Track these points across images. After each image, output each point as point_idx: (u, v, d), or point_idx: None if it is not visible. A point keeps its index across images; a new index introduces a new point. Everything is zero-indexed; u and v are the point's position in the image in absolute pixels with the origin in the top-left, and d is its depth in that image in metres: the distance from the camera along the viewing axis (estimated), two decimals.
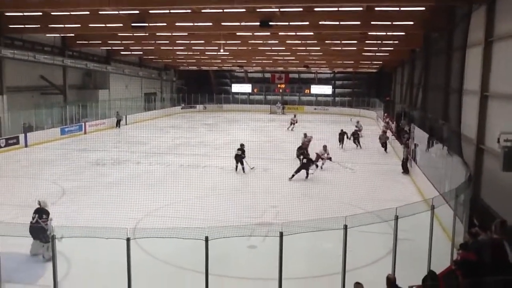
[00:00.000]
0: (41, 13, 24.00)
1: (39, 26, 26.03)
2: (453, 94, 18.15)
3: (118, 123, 37.38)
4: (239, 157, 19.45)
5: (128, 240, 6.62)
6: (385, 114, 37.40)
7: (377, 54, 37.28)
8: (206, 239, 6.65)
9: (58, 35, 32.18)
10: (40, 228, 9.93)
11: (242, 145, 19.68)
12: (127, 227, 6.90)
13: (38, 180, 17.85)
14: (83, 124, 33.24)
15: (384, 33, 26.44)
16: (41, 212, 10.28)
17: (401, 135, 25.76)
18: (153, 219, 12.95)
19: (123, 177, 18.15)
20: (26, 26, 26.52)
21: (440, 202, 8.99)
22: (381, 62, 45.37)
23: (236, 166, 19.53)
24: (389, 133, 27.28)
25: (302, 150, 20.00)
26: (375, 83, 54.21)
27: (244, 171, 19.35)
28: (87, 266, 9.83)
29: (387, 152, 25.19)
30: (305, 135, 23.34)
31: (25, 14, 24.79)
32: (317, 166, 19.49)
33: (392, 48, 32.95)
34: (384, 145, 25.74)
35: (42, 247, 10.13)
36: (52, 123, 31.63)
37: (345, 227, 7.11)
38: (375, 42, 30.09)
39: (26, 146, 26.59)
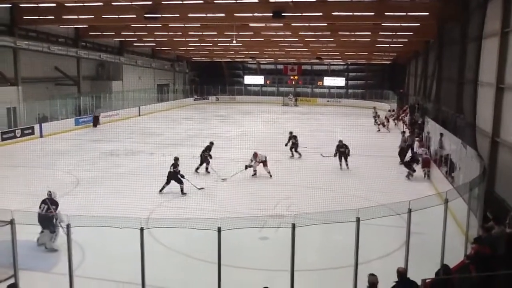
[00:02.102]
0: (55, 4, 24.18)
1: (53, 17, 26.22)
2: (467, 86, 17.92)
3: (95, 121, 32.69)
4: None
5: (141, 229, 6.68)
6: (405, 107, 36.85)
7: (390, 45, 36.90)
8: (219, 230, 6.69)
9: (72, 26, 32.38)
10: (48, 217, 10.06)
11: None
12: (141, 217, 6.96)
13: (53, 170, 18.07)
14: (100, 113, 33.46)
15: (398, 24, 26.11)
16: (50, 203, 10.43)
17: (415, 128, 25.56)
18: (166, 210, 13.06)
19: (137, 168, 18.27)
20: (40, 17, 26.75)
21: (454, 195, 8.91)
22: (394, 54, 44.93)
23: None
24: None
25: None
26: (389, 75, 53.66)
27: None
28: (101, 255, 9.96)
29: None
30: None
31: (39, 5, 25.01)
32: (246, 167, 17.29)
33: (406, 39, 32.59)
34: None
35: (48, 237, 10.30)
36: (66, 113, 31.94)
37: (358, 220, 7.09)
38: (388, 33, 29.78)
39: (41, 136, 26.92)
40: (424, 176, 17.55)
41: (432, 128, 20.97)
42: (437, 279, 6.88)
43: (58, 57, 31.69)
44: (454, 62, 20.99)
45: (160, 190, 14.79)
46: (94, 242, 10.11)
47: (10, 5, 26.05)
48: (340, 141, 19.02)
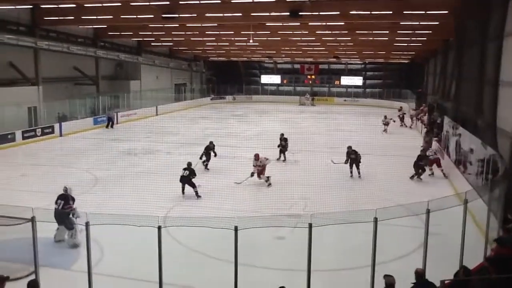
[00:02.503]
0: (74, 5, 24.50)
1: (72, 18, 26.57)
2: (488, 85, 17.62)
3: (109, 123, 32.20)
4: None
5: (159, 228, 6.74)
6: (423, 105, 36.40)
7: (409, 44, 36.51)
8: (236, 229, 6.71)
9: (91, 26, 32.77)
10: (65, 214, 10.21)
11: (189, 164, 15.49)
12: (158, 215, 7.02)
13: (72, 168, 18.35)
14: (115, 114, 33.85)
15: (417, 23, 25.83)
16: (67, 198, 10.57)
17: (433, 128, 25.24)
18: (183, 209, 13.16)
19: (154, 167, 18.42)
20: (60, 18, 27.15)
21: (474, 196, 8.78)
22: (413, 53, 44.43)
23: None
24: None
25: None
26: (407, 74, 53.11)
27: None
28: (119, 253, 10.08)
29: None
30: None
31: (59, 6, 25.37)
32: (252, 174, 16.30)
33: (424, 38, 32.20)
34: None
35: (66, 233, 10.46)
36: (85, 113, 32.37)
37: (375, 220, 7.04)
38: (407, 32, 29.47)
39: (61, 135, 27.34)
40: (430, 175, 17.59)
41: (451, 128, 20.69)
42: (456, 280, 6.79)
43: (77, 57, 32.13)
44: (474, 61, 20.64)
45: (183, 193, 14.71)
46: (113, 240, 10.23)
47: (31, 6, 26.51)
48: (349, 147, 17.65)
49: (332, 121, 36.94)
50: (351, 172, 17.43)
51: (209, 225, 6.93)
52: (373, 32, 30.12)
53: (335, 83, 57.75)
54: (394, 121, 31.43)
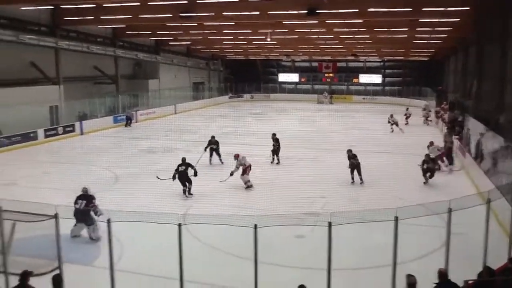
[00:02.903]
0: (94, 5, 24.78)
1: (92, 18, 26.92)
2: (510, 83, 17.33)
3: (128, 121, 32.68)
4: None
5: (179, 225, 6.80)
6: (444, 103, 35.85)
7: (428, 41, 36.04)
8: (255, 227, 6.72)
9: (110, 26, 33.14)
10: (86, 212, 10.52)
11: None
12: (178, 213, 7.08)
13: (93, 166, 18.61)
14: (134, 113, 34.19)
15: (436, 20, 25.46)
16: (89, 198, 10.80)
17: (454, 126, 24.87)
18: (202, 206, 13.20)
19: (173, 165, 18.50)
20: (80, 18, 27.53)
21: (497, 195, 8.63)
22: (433, 50, 43.82)
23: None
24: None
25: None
26: (427, 72, 52.35)
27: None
28: (140, 250, 10.20)
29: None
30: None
31: (79, 6, 25.70)
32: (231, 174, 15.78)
33: (445, 35, 31.73)
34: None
35: (87, 229, 10.74)
36: (105, 111, 32.78)
37: (396, 219, 6.98)
38: (426, 29, 29.09)
39: (81, 133, 27.76)
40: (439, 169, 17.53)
41: (472, 125, 20.38)
42: (480, 280, 6.70)
43: (96, 56, 32.55)
44: (495, 58, 20.31)
45: (190, 193, 14.65)
46: (133, 237, 10.35)
47: (52, 7, 26.94)
48: (349, 151, 16.40)
49: (350, 119, 36.68)
50: (352, 179, 16.17)
51: (229, 222, 6.96)
52: (392, 29, 29.81)
53: (353, 81, 57.29)
54: (408, 117, 31.23)
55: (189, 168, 14.75)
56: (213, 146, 19.62)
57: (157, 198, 14.04)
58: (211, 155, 19.51)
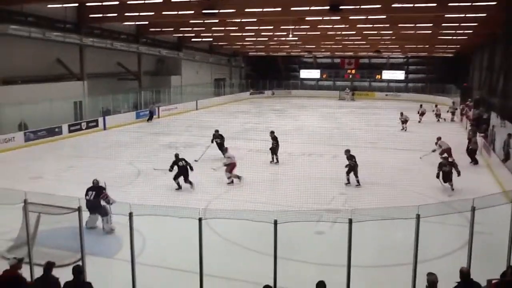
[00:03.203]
0: (118, 2, 25.13)
1: (116, 15, 27.30)
2: None
3: (151, 116, 33.09)
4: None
5: (200, 220, 6.85)
6: (469, 100, 35.11)
7: (453, 37, 35.36)
8: (275, 223, 6.72)
9: (133, 23, 33.53)
10: (97, 203, 10.69)
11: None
12: (199, 207, 7.13)
13: (116, 161, 18.88)
14: (156, 108, 34.54)
15: (462, 15, 24.97)
16: (99, 189, 11.01)
17: (480, 123, 24.38)
18: (222, 202, 13.29)
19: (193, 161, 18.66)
20: (104, 15, 27.94)
21: None
22: (458, 46, 42.98)
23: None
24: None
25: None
26: (451, 68, 51.41)
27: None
28: (161, 244, 10.32)
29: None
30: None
31: (103, 4, 26.08)
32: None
33: (470, 31, 31.08)
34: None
35: (101, 221, 10.94)
36: (128, 107, 33.22)
37: (418, 217, 6.89)
38: (451, 25, 28.53)
39: (104, 128, 28.17)
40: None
41: (498, 123, 19.95)
42: (504, 280, 6.57)
43: (120, 53, 33.00)
44: None
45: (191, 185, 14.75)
46: (154, 231, 10.48)
47: (77, 4, 27.40)
48: (347, 151, 15.72)
49: (372, 116, 36.34)
50: (348, 180, 15.47)
51: (249, 218, 6.98)
52: (416, 25, 29.33)
53: (376, 77, 56.68)
54: (422, 115, 30.97)
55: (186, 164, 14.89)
56: (217, 140, 19.67)
57: (179, 192, 14.19)
58: (219, 148, 19.22)
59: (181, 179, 14.60)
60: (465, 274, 6.49)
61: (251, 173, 15.63)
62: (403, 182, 15.08)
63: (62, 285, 6.53)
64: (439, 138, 18.57)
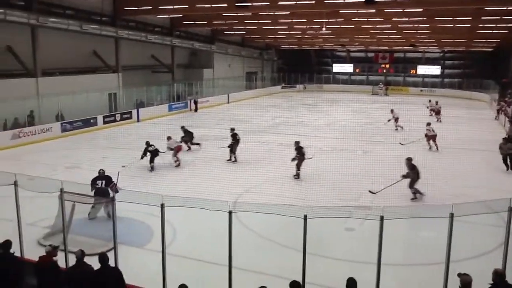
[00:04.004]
0: None
1: (150, 8, 27.64)
2: None
3: (195, 105, 34.96)
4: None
5: (230, 213, 6.88)
6: (508, 96, 33.78)
7: (493, 31, 34.19)
8: (305, 218, 6.69)
9: (167, 16, 33.87)
10: (106, 191, 10.87)
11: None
12: (228, 200, 7.17)
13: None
14: (188, 101, 34.88)
15: (504, 8, 24.09)
16: (108, 178, 11.42)
17: None
18: (252, 195, 13.33)
19: (224, 154, 18.77)
20: (139, 8, 28.34)
21: None
22: (498, 40, 41.55)
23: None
24: None
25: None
26: (490, 63, 49.75)
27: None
28: (191, 235, 10.46)
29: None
30: None
31: None
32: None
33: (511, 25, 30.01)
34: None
35: (104, 208, 11.08)
36: (161, 99, 33.68)
37: (451, 216, 6.72)
38: (492, 18, 27.59)
39: (138, 120, 28.66)
40: (430, 149, 19.74)
41: None
42: None
43: (154, 46, 33.44)
44: None
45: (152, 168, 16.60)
46: (185, 222, 10.61)
47: None
48: (296, 143, 15.70)
49: (406, 111, 35.61)
50: (298, 174, 15.43)
51: (278, 212, 6.97)
52: (454, 18, 28.51)
53: (411, 72, 55.43)
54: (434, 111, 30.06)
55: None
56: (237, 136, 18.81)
57: (208, 184, 14.31)
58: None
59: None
60: (500, 275, 6.30)
61: (281, 168, 15.60)
62: (436, 180, 14.75)
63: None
64: (428, 124, 20.68)
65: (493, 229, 9.72)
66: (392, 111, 26.89)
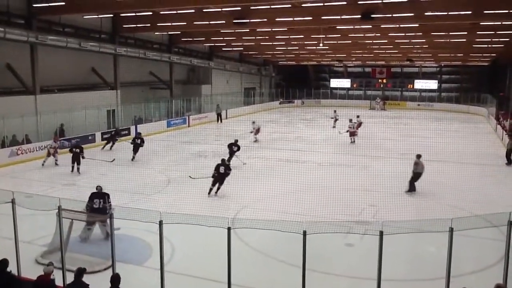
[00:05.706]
0: (151, 13, 25.66)
1: (149, 25, 27.87)
2: None
3: (219, 117, 37.72)
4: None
5: (229, 229, 6.85)
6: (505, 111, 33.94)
7: (489, 46, 34.47)
8: (304, 234, 6.67)
9: (166, 33, 34.13)
10: (103, 210, 10.51)
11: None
12: (227, 216, 7.14)
13: (147, 169, 19.16)
14: (186, 117, 34.94)
15: (499, 23, 24.33)
16: (105, 196, 10.89)
17: None
18: (250, 211, 13.24)
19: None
20: (137, 25, 28.57)
21: None
22: (494, 54, 41.89)
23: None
24: None
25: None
26: (487, 78, 50.05)
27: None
28: (189, 252, 10.37)
29: None
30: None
31: (137, 14, 26.68)
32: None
33: (507, 39, 30.24)
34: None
35: (101, 226, 10.69)
36: (159, 116, 33.74)
37: (451, 230, 6.70)
38: (487, 33, 27.84)
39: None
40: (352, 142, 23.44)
41: None
42: None
43: (152, 62, 33.59)
44: None
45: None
46: (183, 239, 10.55)
47: (112, 15, 28.14)
48: (223, 160, 16.07)
49: (403, 126, 35.74)
50: (213, 190, 15.21)
51: (278, 228, 6.95)
52: (450, 33, 28.77)
53: (408, 87, 55.73)
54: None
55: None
56: (234, 148, 20.11)
57: (207, 201, 14.27)
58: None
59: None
60: None
61: (280, 183, 15.58)
62: (436, 194, 14.74)
63: None
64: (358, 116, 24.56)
65: (493, 243, 9.69)
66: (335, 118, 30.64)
